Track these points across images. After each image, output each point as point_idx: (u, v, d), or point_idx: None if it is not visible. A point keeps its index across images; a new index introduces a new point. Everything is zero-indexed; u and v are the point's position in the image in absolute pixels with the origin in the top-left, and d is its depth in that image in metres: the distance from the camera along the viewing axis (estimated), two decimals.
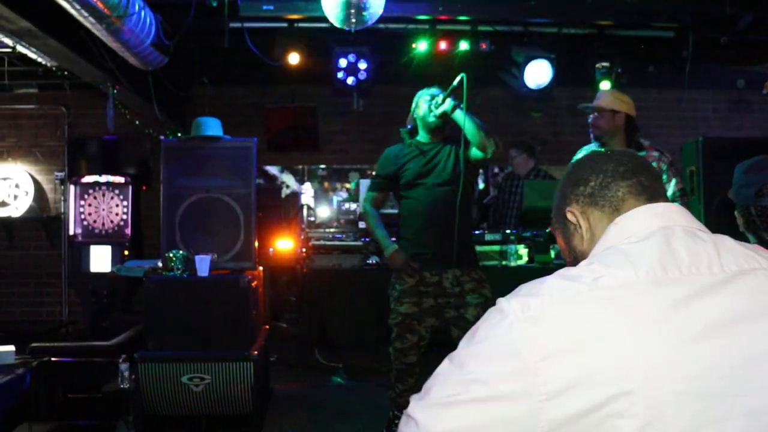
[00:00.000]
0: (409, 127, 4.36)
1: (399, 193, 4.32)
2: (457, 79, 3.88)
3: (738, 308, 1.08)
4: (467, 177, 4.24)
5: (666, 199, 1.32)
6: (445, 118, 4.11)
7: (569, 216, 1.39)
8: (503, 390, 1.05)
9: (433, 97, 4.15)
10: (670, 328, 1.05)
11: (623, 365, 1.02)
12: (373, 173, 4.57)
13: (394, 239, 4.27)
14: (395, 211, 4.92)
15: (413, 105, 4.32)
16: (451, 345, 3.66)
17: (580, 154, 4.53)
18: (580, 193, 1.37)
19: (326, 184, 8.75)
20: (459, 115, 4.04)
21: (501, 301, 1.15)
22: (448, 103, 4.03)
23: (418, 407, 1.11)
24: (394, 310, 4.16)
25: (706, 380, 1.03)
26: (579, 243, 1.38)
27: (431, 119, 4.16)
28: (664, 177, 4.22)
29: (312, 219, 7.79)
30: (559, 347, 1.05)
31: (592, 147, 4.50)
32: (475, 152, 4.12)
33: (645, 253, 1.14)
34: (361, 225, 6.86)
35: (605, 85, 6.07)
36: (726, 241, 1.20)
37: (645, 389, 1.01)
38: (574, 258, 1.40)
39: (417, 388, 3.89)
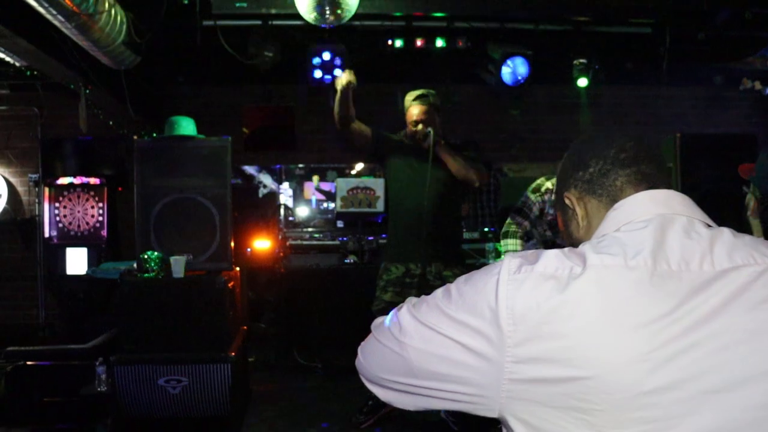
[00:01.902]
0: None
1: (388, 188, 4.69)
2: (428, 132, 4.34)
3: (719, 306, 1.05)
4: (457, 186, 4.57)
5: (669, 187, 1.26)
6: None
7: (566, 201, 1.37)
8: (472, 342, 1.10)
9: (417, 131, 4.44)
10: (648, 324, 1.02)
11: (588, 350, 1.02)
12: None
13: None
14: (372, 210, 5.07)
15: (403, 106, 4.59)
16: None
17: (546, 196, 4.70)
18: (579, 178, 1.34)
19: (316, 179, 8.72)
20: (441, 154, 4.41)
21: (506, 256, 1.17)
22: (427, 143, 4.35)
23: (408, 314, 1.20)
24: (378, 298, 4.47)
25: (674, 377, 1.01)
26: (576, 230, 1.37)
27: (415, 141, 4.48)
28: None
29: (290, 219, 7.74)
30: (531, 317, 1.05)
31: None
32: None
33: (637, 243, 1.12)
34: (340, 224, 6.85)
35: (582, 81, 6.08)
36: (724, 234, 1.16)
37: (606, 378, 1.01)
38: (570, 243, 1.37)
39: None
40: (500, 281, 1.11)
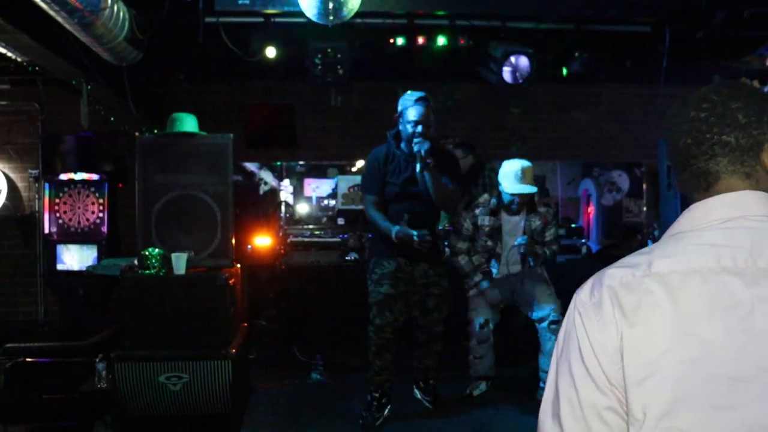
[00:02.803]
0: (395, 131, 4.70)
1: (380, 189, 4.72)
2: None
3: None
4: None
5: (734, 179, 1.23)
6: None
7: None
8: (592, 393, 1.16)
9: (416, 140, 4.48)
10: (712, 322, 1.08)
11: (660, 350, 1.09)
12: (363, 175, 4.96)
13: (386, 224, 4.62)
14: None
15: (400, 107, 4.62)
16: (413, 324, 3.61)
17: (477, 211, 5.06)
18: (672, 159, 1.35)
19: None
20: (426, 178, 4.54)
21: (574, 296, 1.25)
22: (416, 149, 4.47)
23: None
24: (374, 291, 4.64)
25: (739, 370, 1.06)
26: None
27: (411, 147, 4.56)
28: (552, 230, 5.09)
29: (290, 216, 7.75)
30: (617, 333, 1.13)
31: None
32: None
33: (707, 244, 1.15)
34: (340, 221, 6.85)
35: (582, 80, 6.09)
36: None
37: (674, 376, 1.08)
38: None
39: (393, 366, 3.99)
40: (580, 314, 1.22)
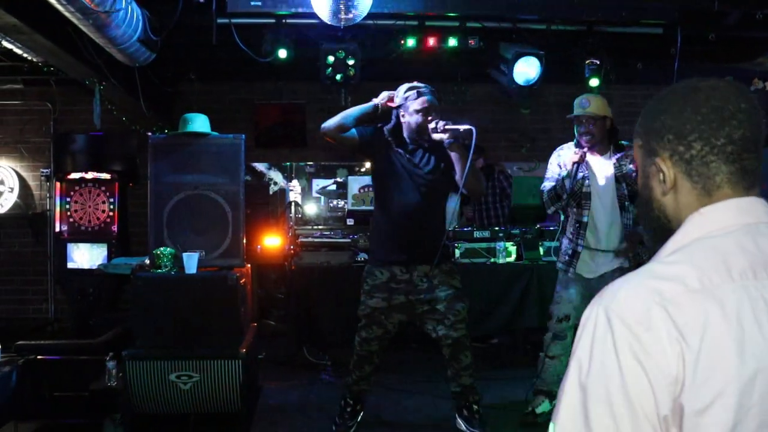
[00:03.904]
0: (391, 125, 4.33)
1: (374, 188, 4.45)
2: (465, 126, 4.01)
3: None
4: (445, 187, 4.40)
5: (758, 187, 1.22)
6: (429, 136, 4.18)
7: (659, 162, 1.25)
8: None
9: (432, 118, 4.14)
10: (762, 337, 1.05)
11: (724, 374, 1.03)
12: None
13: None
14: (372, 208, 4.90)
15: (401, 95, 4.25)
16: (427, 339, 3.59)
17: (561, 150, 4.52)
18: (676, 151, 1.22)
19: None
20: (453, 155, 4.14)
21: (597, 310, 1.12)
22: (444, 136, 4.08)
23: None
24: (362, 302, 4.34)
25: None
26: (657, 189, 1.27)
27: (423, 135, 4.19)
28: None
29: (299, 216, 7.76)
30: (677, 359, 1.04)
31: (572, 146, 4.51)
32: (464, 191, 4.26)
33: (735, 253, 1.11)
34: (350, 222, 6.85)
35: (594, 82, 6.09)
36: None
37: (736, 400, 1.03)
38: (646, 199, 1.31)
39: (372, 377, 3.85)
40: (618, 338, 1.11)
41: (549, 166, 4.55)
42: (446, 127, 4.07)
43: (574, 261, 4.46)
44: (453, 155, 4.15)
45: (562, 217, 4.67)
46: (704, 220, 1.19)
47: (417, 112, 4.16)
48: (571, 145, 4.52)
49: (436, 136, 4.12)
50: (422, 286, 4.25)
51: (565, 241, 4.56)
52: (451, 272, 4.34)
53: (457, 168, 4.17)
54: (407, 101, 4.21)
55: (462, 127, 4.04)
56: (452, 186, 4.32)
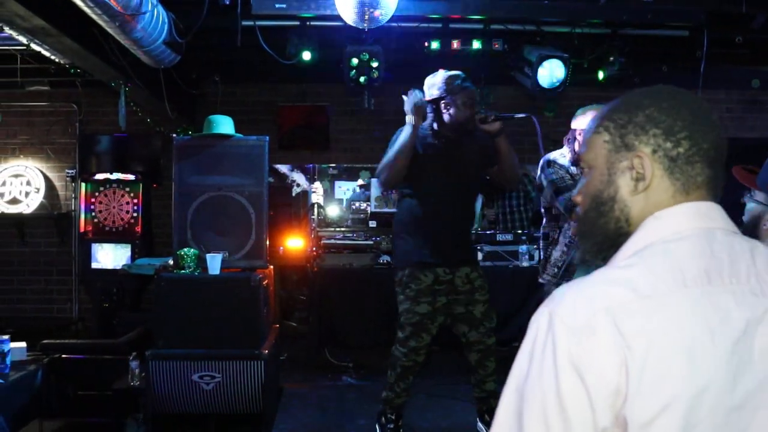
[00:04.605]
0: (429, 116, 4.19)
1: (410, 186, 4.22)
2: (522, 115, 4.10)
3: None
4: (480, 181, 4.39)
5: (710, 193, 1.18)
6: (474, 128, 4.09)
7: (636, 157, 1.17)
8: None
9: (478, 110, 4.09)
10: (720, 343, 1.01)
11: (672, 385, 0.99)
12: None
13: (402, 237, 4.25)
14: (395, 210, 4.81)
15: (439, 86, 4.11)
16: (456, 343, 3.54)
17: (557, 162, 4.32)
18: (663, 147, 1.16)
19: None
20: (503, 145, 4.09)
21: (542, 312, 1.08)
22: (496, 127, 4.02)
23: None
24: (410, 310, 4.12)
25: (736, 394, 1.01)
26: (626, 187, 1.19)
27: (469, 126, 4.10)
28: None
29: (322, 218, 7.78)
30: (620, 368, 1.00)
31: (563, 154, 4.35)
32: (499, 180, 4.28)
33: (690, 257, 1.07)
34: (372, 224, 6.85)
35: (600, 75, 6.05)
36: (759, 247, 1.13)
37: (683, 412, 0.99)
38: (604, 200, 1.21)
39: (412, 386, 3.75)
40: (559, 336, 1.07)
41: (556, 174, 4.24)
42: (499, 116, 4.03)
43: (567, 274, 4.26)
44: (502, 145, 4.09)
45: (545, 229, 4.48)
46: (660, 224, 1.15)
47: (465, 104, 4.06)
48: (562, 153, 4.38)
49: (486, 127, 4.04)
50: (463, 288, 4.19)
51: (556, 254, 4.34)
52: (485, 277, 4.29)
53: (504, 159, 4.12)
54: (451, 94, 4.07)
55: (518, 115, 4.08)
56: (484, 179, 4.28)
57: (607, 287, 1.05)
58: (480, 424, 4.39)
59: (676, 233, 1.12)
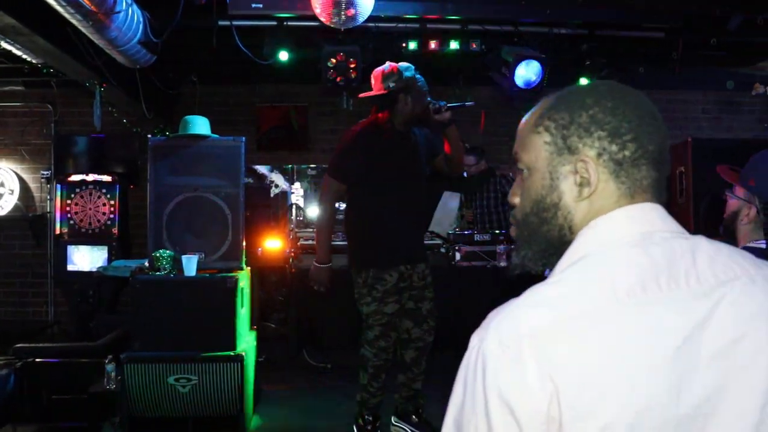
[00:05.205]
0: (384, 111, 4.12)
1: (366, 187, 4.17)
2: (471, 103, 4.18)
3: (717, 331, 0.98)
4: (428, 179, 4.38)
5: (654, 195, 1.12)
6: (427, 121, 4.11)
7: (581, 161, 1.11)
8: None
9: (430, 101, 4.07)
10: (657, 356, 0.95)
11: (606, 411, 0.93)
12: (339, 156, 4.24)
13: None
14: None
15: (393, 80, 4.04)
16: (402, 339, 3.45)
17: None
18: (609, 151, 1.09)
19: None
20: (452, 134, 4.12)
21: (474, 338, 1.02)
22: (448, 116, 4.05)
23: None
24: (378, 311, 4.12)
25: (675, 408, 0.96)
26: (570, 193, 1.12)
27: (423, 118, 4.10)
28: None
29: (301, 219, 7.74)
30: (546, 397, 0.94)
31: None
32: (444, 166, 4.33)
33: (625, 267, 1.01)
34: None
35: (583, 81, 6.08)
36: (702, 245, 1.06)
37: (622, 429, 0.94)
38: (547, 206, 1.14)
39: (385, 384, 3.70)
40: (489, 366, 1.01)
41: None
42: (451, 105, 4.05)
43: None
44: (453, 134, 4.13)
45: None
46: (596, 232, 1.09)
47: (422, 96, 4.05)
48: None
49: (438, 118, 4.04)
50: (418, 284, 4.21)
51: None
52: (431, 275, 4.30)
53: (454, 147, 4.17)
54: (408, 86, 4.02)
55: (468, 103, 4.16)
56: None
57: (533, 309, 0.99)
58: (405, 427, 4.34)
59: (612, 241, 1.06)
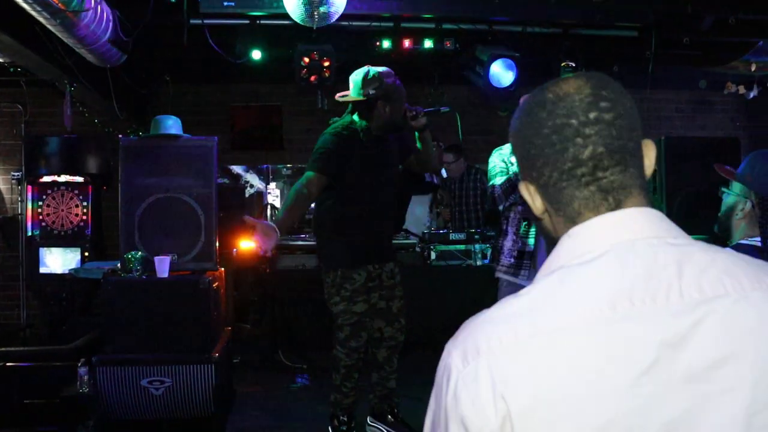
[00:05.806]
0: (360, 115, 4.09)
1: (342, 187, 4.10)
2: (446, 109, 4.32)
3: (696, 356, 0.92)
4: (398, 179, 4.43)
5: (640, 195, 1.05)
6: (403, 127, 4.15)
7: (523, 188, 1.12)
8: None
9: (407, 107, 4.07)
10: (623, 376, 0.91)
11: (562, 420, 0.91)
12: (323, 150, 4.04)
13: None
14: None
15: (376, 89, 3.97)
16: (374, 338, 3.44)
17: (503, 150, 4.35)
18: (533, 177, 1.09)
19: None
20: (428, 138, 4.21)
21: (445, 351, 1.00)
22: (423, 122, 4.13)
23: None
24: (347, 311, 4.09)
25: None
26: (536, 210, 1.14)
27: (401, 123, 4.09)
28: None
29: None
30: (490, 410, 0.92)
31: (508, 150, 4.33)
32: (415, 165, 4.47)
33: (598, 280, 0.96)
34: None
35: None
36: (694, 254, 0.99)
37: None
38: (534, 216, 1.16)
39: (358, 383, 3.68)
40: (456, 384, 0.99)
41: (492, 164, 4.32)
42: (427, 111, 4.14)
43: (523, 263, 4.24)
44: (427, 139, 4.22)
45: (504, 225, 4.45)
46: (573, 243, 1.04)
47: (400, 103, 4.02)
48: (508, 145, 4.26)
49: (414, 123, 4.11)
50: (387, 283, 4.23)
51: (508, 243, 4.32)
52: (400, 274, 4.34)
53: (427, 150, 4.27)
54: (388, 93, 3.97)
55: (443, 109, 4.28)
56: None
57: (496, 326, 0.96)
58: (380, 427, 4.32)
59: (588, 252, 1.00)
